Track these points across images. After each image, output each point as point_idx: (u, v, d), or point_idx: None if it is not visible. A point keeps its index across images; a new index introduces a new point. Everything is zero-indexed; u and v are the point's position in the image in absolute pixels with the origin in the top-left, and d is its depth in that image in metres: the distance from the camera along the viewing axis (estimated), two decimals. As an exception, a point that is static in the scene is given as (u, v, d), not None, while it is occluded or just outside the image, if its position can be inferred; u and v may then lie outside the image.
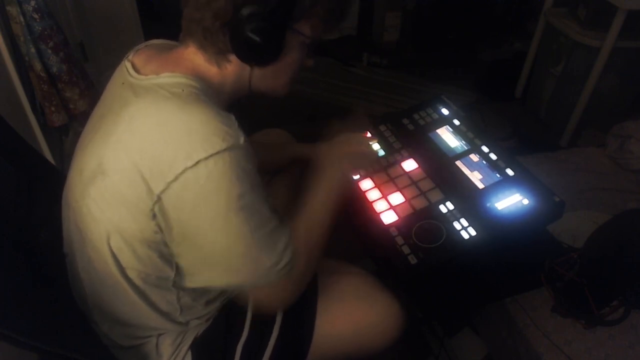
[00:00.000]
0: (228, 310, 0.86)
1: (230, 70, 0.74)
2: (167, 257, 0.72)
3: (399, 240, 0.92)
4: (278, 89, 0.81)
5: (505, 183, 0.98)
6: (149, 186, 0.64)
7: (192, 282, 0.76)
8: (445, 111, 1.20)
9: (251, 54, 0.70)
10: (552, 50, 2.11)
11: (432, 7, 2.83)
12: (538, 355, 1.00)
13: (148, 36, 0.99)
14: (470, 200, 0.96)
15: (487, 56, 2.78)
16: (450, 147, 1.10)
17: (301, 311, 0.88)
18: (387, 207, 0.99)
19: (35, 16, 1.45)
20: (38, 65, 1.49)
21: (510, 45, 2.89)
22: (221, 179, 0.63)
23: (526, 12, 2.91)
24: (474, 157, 1.06)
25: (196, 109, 0.65)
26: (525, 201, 0.94)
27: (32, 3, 1.43)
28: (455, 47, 2.92)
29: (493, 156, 1.05)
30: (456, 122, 1.16)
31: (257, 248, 0.69)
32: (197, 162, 0.62)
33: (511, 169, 1.01)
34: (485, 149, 1.07)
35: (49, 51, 1.51)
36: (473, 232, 0.91)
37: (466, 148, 1.09)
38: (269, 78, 0.77)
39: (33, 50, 1.47)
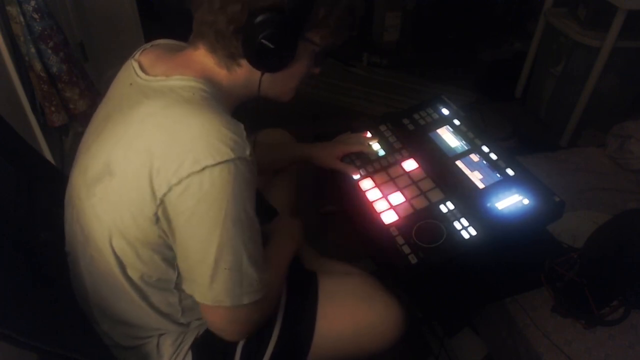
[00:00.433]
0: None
1: (240, 74, 0.74)
2: (170, 259, 0.72)
3: (399, 240, 0.92)
4: (284, 94, 0.82)
5: (506, 183, 0.98)
6: (153, 189, 0.64)
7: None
8: (445, 111, 1.20)
9: (263, 60, 0.71)
10: (552, 50, 2.11)
11: (432, 7, 2.83)
12: (538, 355, 1.00)
13: (148, 36, 0.99)
14: (471, 200, 0.96)
15: (487, 56, 2.78)
16: (450, 147, 1.10)
17: (301, 311, 0.88)
18: (388, 206, 0.99)
19: (35, 16, 1.45)
20: (38, 65, 1.49)
21: (510, 45, 2.89)
22: (224, 187, 0.63)
23: (526, 12, 2.91)
24: (474, 157, 1.06)
25: (207, 115, 0.66)
26: (526, 201, 0.94)
27: (32, 3, 1.43)
28: (455, 47, 2.92)
29: (493, 156, 1.05)
30: (456, 122, 1.16)
31: (247, 259, 0.68)
32: (204, 168, 0.62)
33: (511, 169, 1.01)
34: (485, 148, 1.07)
35: (49, 51, 1.51)
36: (473, 232, 0.91)
37: (466, 148, 1.09)
38: (278, 84, 0.78)
39: (33, 50, 1.47)
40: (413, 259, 0.88)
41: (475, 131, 1.12)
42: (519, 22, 2.95)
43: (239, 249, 0.67)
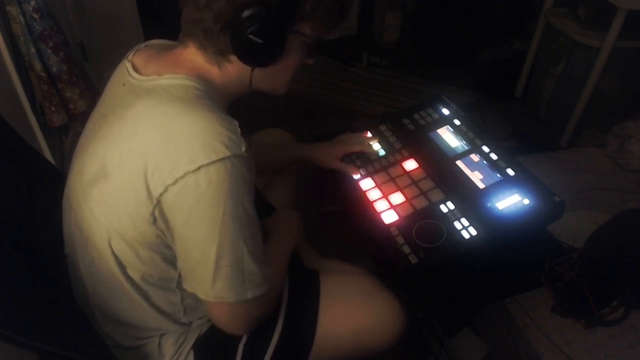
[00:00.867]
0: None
1: (231, 70, 0.74)
2: (170, 259, 0.72)
3: (400, 240, 0.92)
4: (279, 88, 0.81)
5: (506, 183, 0.98)
6: (149, 189, 0.64)
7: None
8: (445, 111, 1.20)
9: (252, 55, 0.70)
10: (552, 50, 2.11)
11: (432, 7, 2.83)
12: (538, 355, 1.00)
13: (148, 36, 0.99)
14: (471, 200, 0.96)
15: (487, 56, 2.78)
16: (450, 147, 1.10)
17: (303, 310, 0.88)
18: (388, 206, 0.99)
19: (35, 16, 1.45)
20: (38, 65, 1.49)
21: (510, 45, 2.89)
22: (221, 185, 0.63)
23: (526, 12, 2.91)
24: (475, 157, 1.06)
25: (200, 113, 0.65)
26: (526, 201, 0.94)
27: (32, 3, 1.43)
28: (455, 47, 2.92)
29: (493, 156, 1.05)
30: (456, 122, 1.16)
31: (248, 255, 0.68)
32: (199, 168, 0.62)
33: (511, 169, 1.01)
34: (485, 148, 1.07)
35: (49, 51, 1.51)
36: (473, 232, 0.90)
37: (467, 148, 1.09)
38: (270, 78, 0.77)
39: (33, 50, 1.47)
40: (413, 259, 0.88)
41: (476, 131, 1.12)
42: (519, 22, 2.95)
43: (240, 245, 0.67)
